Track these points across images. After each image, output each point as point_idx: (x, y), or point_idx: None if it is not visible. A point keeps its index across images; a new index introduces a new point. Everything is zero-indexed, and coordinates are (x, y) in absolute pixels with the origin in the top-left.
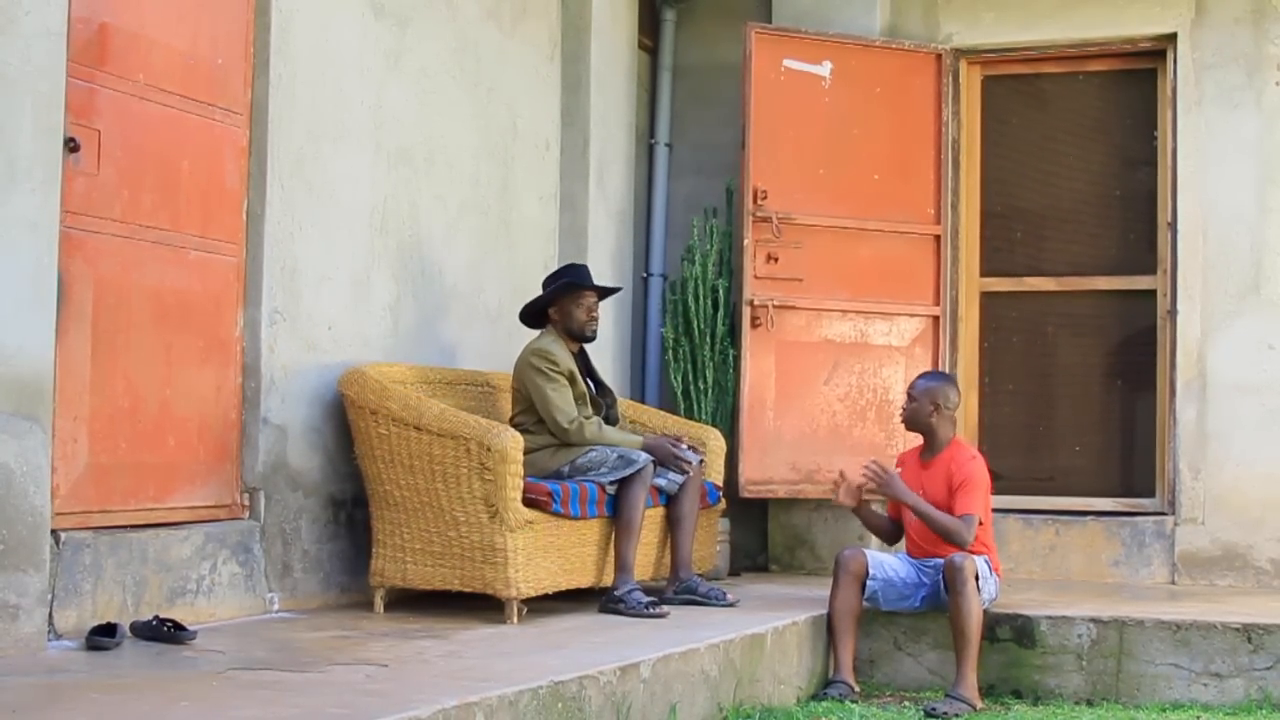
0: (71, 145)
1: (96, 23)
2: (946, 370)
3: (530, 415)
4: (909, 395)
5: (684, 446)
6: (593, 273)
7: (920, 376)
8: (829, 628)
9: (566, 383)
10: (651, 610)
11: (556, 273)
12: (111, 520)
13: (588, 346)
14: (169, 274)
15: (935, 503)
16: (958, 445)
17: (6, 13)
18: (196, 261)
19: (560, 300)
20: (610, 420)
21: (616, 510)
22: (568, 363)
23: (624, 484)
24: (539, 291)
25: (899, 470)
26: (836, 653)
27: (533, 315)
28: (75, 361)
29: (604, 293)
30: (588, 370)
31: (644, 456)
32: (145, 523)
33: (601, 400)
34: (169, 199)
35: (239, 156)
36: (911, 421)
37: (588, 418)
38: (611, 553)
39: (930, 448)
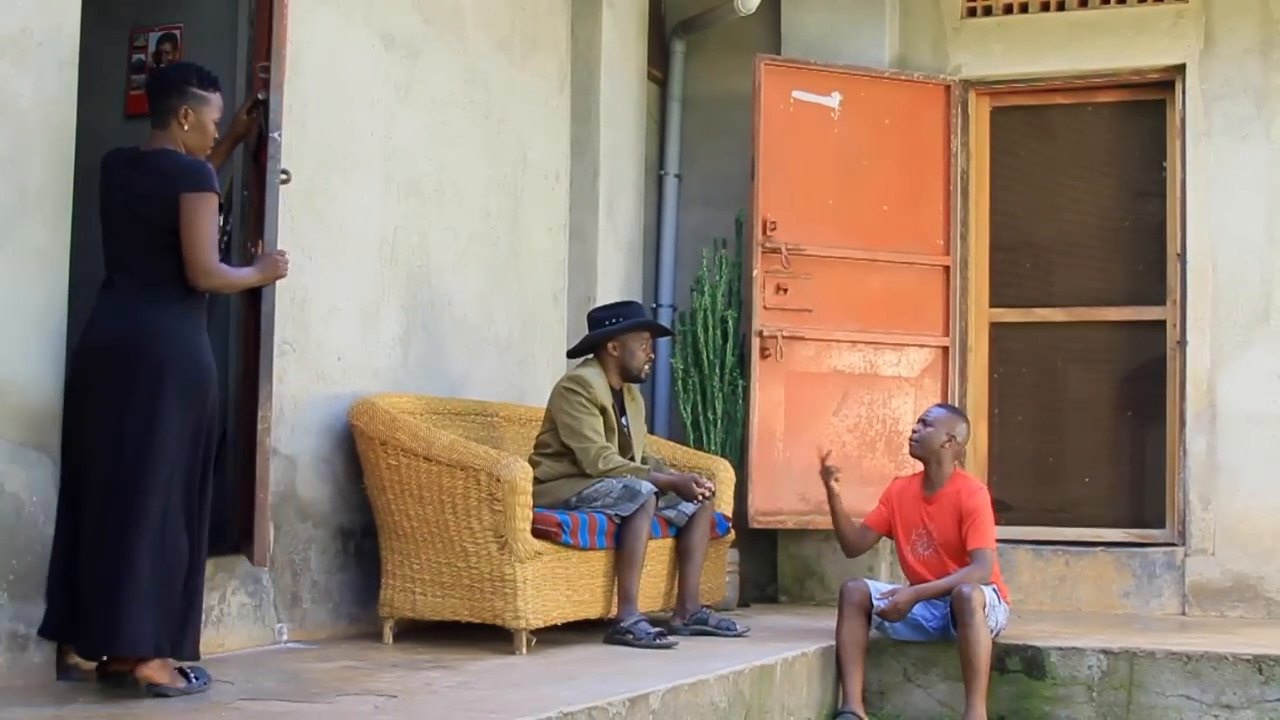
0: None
1: None
2: (956, 402)
3: (554, 438)
4: (923, 422)
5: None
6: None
7: (935, 406)
8: (837, 659)
9: (597, 412)
10: (659, 641)
11: (614, 308)
12: None
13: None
14: None
15: (943, 536)
16: (962, 477)
17: (18, 44)
18: None
19: (625, 337)
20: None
21: (619, 541)
22: (603, 398)
23: (627, 515)
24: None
25: (898, 498)
26: (845, 684)
27: (588, 345)
28: None
29: (660, 335)
30: (621, 410)
31: (648, 488)
32: None
33: (629, 446)
34: None
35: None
36: (921, 447)
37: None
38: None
39: (932, 481)
